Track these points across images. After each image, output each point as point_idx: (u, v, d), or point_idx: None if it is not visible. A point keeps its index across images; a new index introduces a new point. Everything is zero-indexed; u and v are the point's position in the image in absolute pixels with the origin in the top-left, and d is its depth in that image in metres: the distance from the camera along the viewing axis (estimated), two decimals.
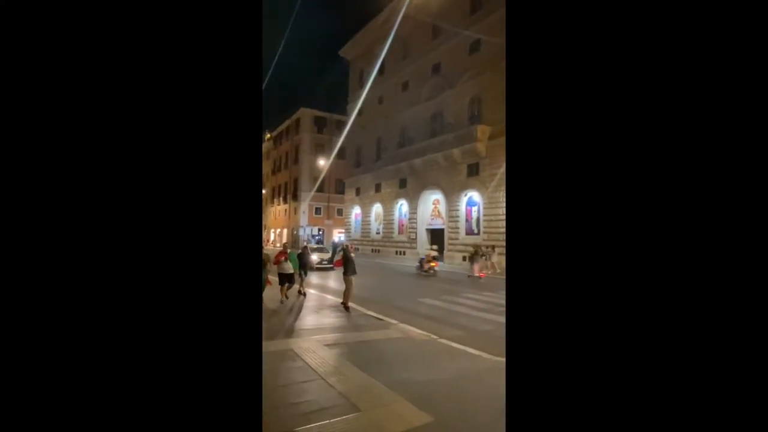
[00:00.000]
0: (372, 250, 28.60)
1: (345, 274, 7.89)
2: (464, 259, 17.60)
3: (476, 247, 16.65)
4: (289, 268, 8.39)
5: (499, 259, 16.67)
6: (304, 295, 9.11)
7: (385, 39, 23.67)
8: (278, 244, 34.73)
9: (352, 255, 8.36)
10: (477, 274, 14.28)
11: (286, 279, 8.31)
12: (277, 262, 8.31)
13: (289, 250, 8.88)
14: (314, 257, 15.32)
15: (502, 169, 18.49)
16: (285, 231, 39.05)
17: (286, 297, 8.32)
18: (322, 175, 32.42)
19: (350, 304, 7.86)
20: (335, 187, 35.79)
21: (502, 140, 18.44)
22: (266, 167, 43.58)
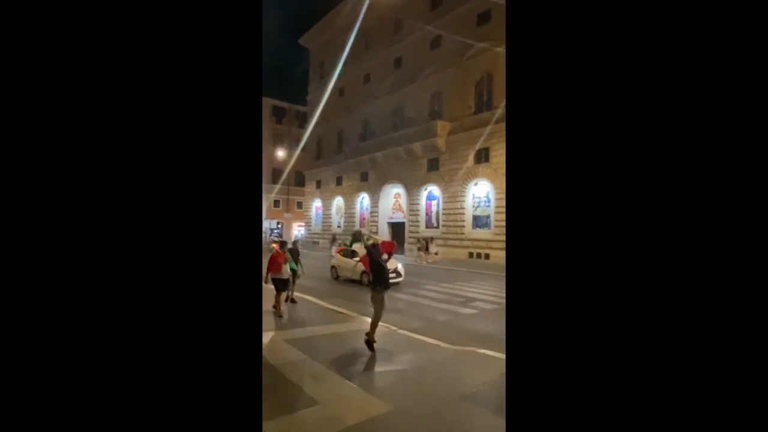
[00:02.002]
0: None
1: (373, 288, 5.11)
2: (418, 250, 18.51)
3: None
4: (287, 271, 6.69)
5: (438, 250, 18.65)
6: (294, 302, 7.50)
7: (348, 29, 23.38)
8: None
9: (385, 257, 5.38)
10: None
11: (282, 285, 6.54)
12: (278, 269, 6.38)
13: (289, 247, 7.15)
14: (356, 263, 10.54)
15: (461, 164, 19.24)
16: None
17: (277, 309, 6.51)
18: (287, 169, 31.30)
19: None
20: (294, 179, 34.97)
21: (462, 136, 19.29)
22: None
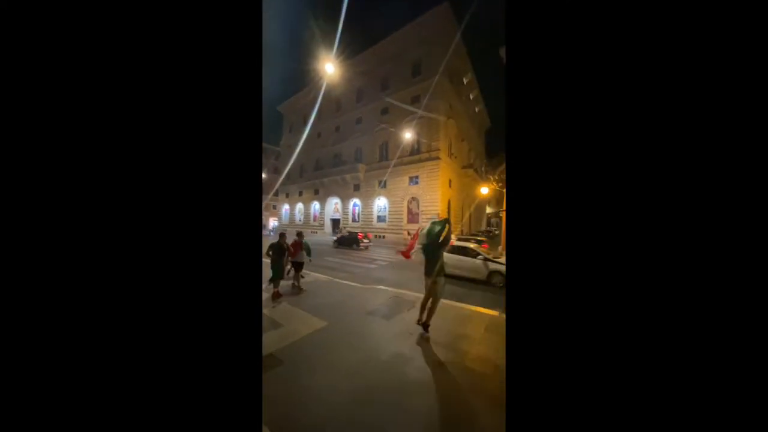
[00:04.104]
0: (296, 232, 42.65)
1: (437, 275, 4.25)
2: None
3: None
4: (303, 256, 8.09)
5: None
6: (278, 296, 7.00)
7: (309, 106, 37.11)
8: None
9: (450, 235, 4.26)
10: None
11: (299, 267, 8.07)
12: (295, 254, 7.81)
13: (305, 240, 8.32)
14: (483, 262, 8.42)
15: (371, 189, 30.11)
16: None
17: (299, 285, 7.68)
18: (274, 188, 46.46)
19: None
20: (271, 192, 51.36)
21: (372, 173, 30.04)
22: None
